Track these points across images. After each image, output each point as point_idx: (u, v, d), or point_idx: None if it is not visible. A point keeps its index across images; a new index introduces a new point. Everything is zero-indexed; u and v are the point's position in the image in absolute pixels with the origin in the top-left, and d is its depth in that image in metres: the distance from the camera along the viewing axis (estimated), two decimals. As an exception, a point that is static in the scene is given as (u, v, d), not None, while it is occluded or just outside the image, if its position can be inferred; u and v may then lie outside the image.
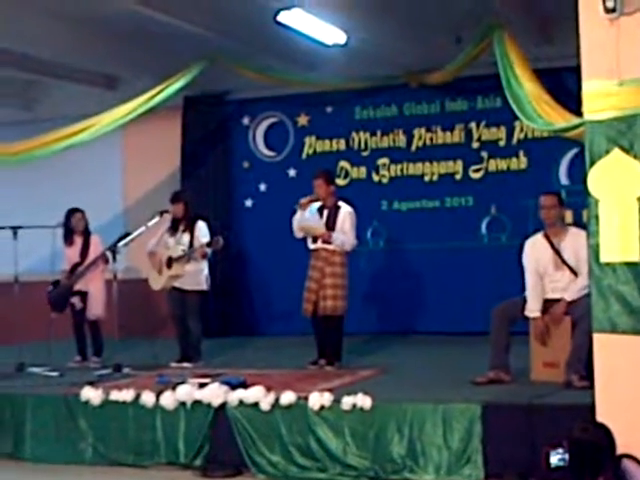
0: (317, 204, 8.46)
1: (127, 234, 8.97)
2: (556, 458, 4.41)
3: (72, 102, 11.66)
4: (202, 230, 8.99)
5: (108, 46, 9.97)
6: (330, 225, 8.37)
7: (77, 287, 9.36)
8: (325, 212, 8.44)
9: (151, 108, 9.66)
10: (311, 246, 8.47)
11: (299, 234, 8.53)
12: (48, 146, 9.51)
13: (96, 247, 9.42)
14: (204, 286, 9.04)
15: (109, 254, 8.94)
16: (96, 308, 9.35)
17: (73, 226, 9.48)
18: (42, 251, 9.71)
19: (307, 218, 8.41)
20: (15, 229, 9.20)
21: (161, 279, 8.98)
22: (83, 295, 9.37)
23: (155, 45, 9.92)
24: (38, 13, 8.91)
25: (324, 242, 8.35)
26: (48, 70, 10.89)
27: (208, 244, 8.81)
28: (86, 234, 9.51)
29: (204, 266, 9.03)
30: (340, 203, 8.50)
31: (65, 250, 9.55)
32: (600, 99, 5.08)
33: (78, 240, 9.50)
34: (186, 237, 8.95)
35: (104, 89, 11.68)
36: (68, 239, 9.51)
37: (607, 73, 5.04)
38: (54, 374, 8.52)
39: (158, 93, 9.61)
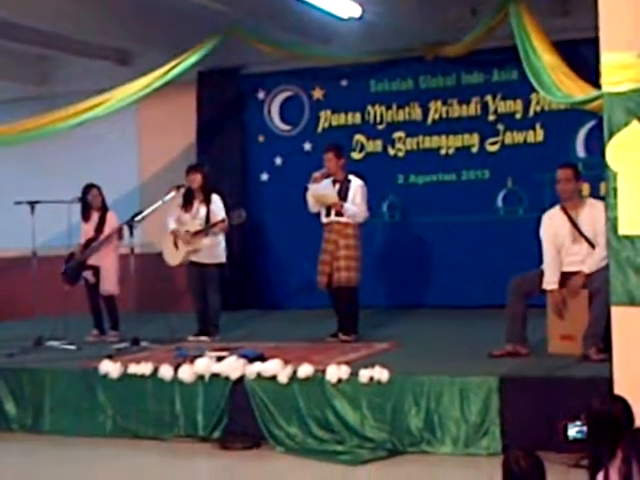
0: (329, 179, 8.47)
1: (140, 211, 8.99)
2: (574, 430, 4.41)
3: (86, 77, 11.68)
4: (217, 204, 8.99)
5: (122, 21, 9.97)
6: (342, 198, 8.39)
7: (90, 262, 9.40)
8: (336, 186, 8.45)
9: (166, 83, 9.66)
10: (324, 220, 8.49)
11: (314, 208, 8.54)
12: (63, 121, 9.52)
13: (111, 223, 9.44)
14: (222, 258, 9.06)
15: (125, 229, 8.97)
16: (108, 284, 9.38)
17: (90, 202, 9.51)
18: (58, 226, 9.77)
19: (320, 187, 8.42)
20: (32, 204, 9.25)
21: (179, 254, 8.99)
22: (96, 270, 9.41)
23: (169, 20, 9.92)
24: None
25: (337, 214, 8.36)
26: (62, 45, 10.89)
27: (229, 218, 8.81)
28: (103, 210, 9.54)
29: (221, 239, 9.04)
30: (350, 177, 8.52)
31: (82, 225, 9.59)
32: (619, 71, 5.05)
33: (95, 216, 9.53)
34: (202, 211, 8.94)
35: (118, 64, 11.68)
36: (85, 214, 9.54)
37: (626, 45, 5.01)
38: (72, 348, 8.59)
39: (173, 68, 9.61)
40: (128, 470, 6.55)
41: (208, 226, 8.84)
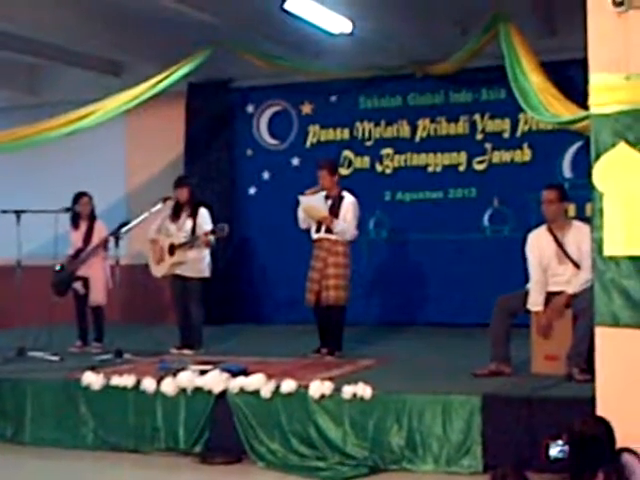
0: (322, 193, 8.47)
1: (127, 222, 8.97)
2: (556, 450, 4.41)
3: (77, 87, 11.68)
4: (204, 217, 8.99)
5: (114, 32, 9.96)
6: (333, 214, 8.38)
7: (80, 272, 9.37)
8: (329, 202, 8.44)
9: (156, 94, 9.65)
10: (314, 236, 8.48)
11: (303, 223, 8.54)
12: (53, 131, 9.51)
13: (100, 233, 9.42)
14: (206, 273, 9.05)
15: (111, 240, 8.94)
16: (97, 294, 9.36)
17: (79, 210, 9.48)
18: (45, 235, 9.73)
19: (312, 199, 8.42)
20: (18, 213, 9.21)
21: (163, 266, 8.98)
22: (85, 281, 9.38)
23: (160, 32, 9.91)
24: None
25: (327, 231, 8.35)
26: (53, 55, 10.87)
27: (212, 232, 8.81)
28: (91, 219, 9.52)
29: (206, 253, 9.03)
30: (344, 193, 8.51)
31: (71, 234, 9.56)
32: (607, 92, 5.07)
33: (83, 225, 9.50)
34: (189, 224, 8.94)
35: (109, 75, 11.68)
36: (74, 223, 9.51)
37: (614, 66, 5.03)
38: (55, 359, 8.54)
39: (163, 79, 9.60)
40: (108, 483, 6.51)
41: (192, 238, 8.83)
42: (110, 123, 10.02)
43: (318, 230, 8.43)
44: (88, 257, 9.33)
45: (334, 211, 8.38)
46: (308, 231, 8.56)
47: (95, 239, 9.40)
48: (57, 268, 9.36)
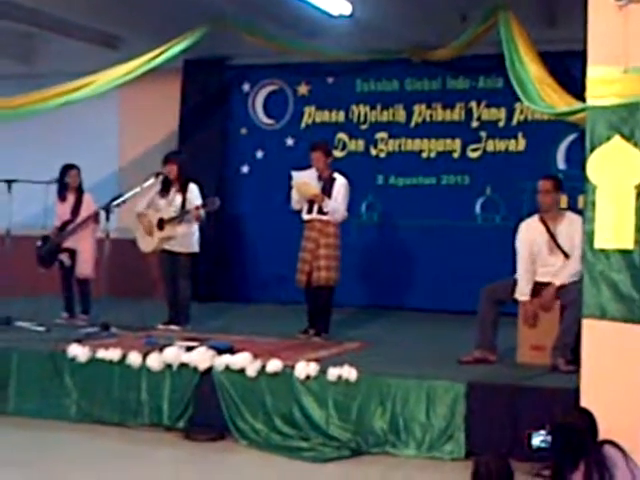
0: (314, 172, 8.45)
1: (118, 196, 8.94)
2: (538, 440, 4.44)
3: (72, 59, 11.57)
4: (194, 192, 8.96)
5: (112, 5, 9.89)
6: (325, 195, 8.38)
7: (66, 245, 9.35)
8: (321, 183, 8.44)
9: (151, 69, 9.60)
10: (305, 217, 8.48)
11: (296, 204, 8.53)
12: (46, 101, 9.43)
13: (88, 206, 9.40)
14: (195, 248, 9.03)
15: (102, 213, 8.91)
16: (84, 267, 9.34)
17: (67, 182, 9.45)
18: (35, 206, 9.71)
19: (305, 175, 8.43)
20: (9, 182, 9.18)
21: (152, 241, 8.96)
22: (72, 253, 9.36)
23: (158, 7, 9.85)
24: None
25: (319, 212, 8.35)
26: (50, 25, 10.79)
27: (203, 205, 8.80)
28: (79, 192, 9.48)
29: (195, 229, 9.01)
30: (336, 175, 8.51)
31: (57, 206, 9.53)
32: (604, 85, 5.07)
33: (71, 197, 9.47)
34: (178, 199, 8.92)
35: (105, 48, 11.58)
36: (61, 195, 9.48)
37: (613, 60, 5.03)
38: (41, 329, 8.53)
39: (159, 54, 9.54)
40: (90, 456, 6.50)
41: (182, 212, 8.81)
42: (104, 97, 9.98)
43: (310, 211, 8.43)
44: (76, 229, 9.31)
45: (326, 192, 8.38)
46: (299, 212, 8.55)
47: (83, 212, 9.37)
48: (38, 244, 9.34)
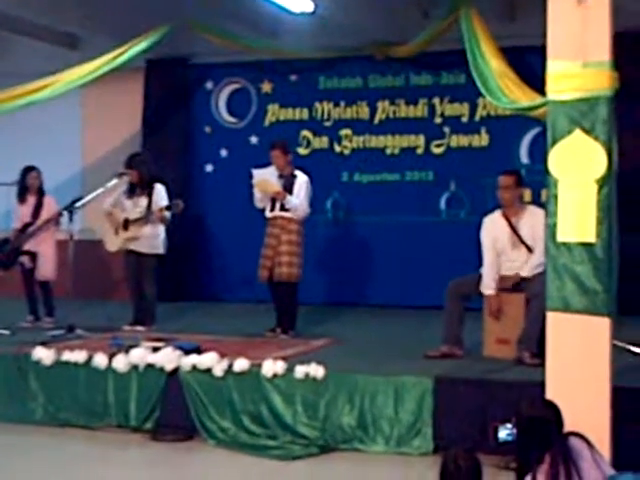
0: (274, 169, 8.46)
1: (80, 198, 8.88)
2: (504, 433, 4.46)
3: (33, 59, 11.45)
4: (160, 193, 8.93)
5: (71, 4, 9.82)
6: (287, 192, 8.39)
7: (27, 247, 9.28)
8: (282, 180, 8.45)
9: (113, 68, 9.55)
10: (268, 214, 8.49)
11: (259, 203, 8.54)
12: (8, 102, 9.34)
13: (49, 208, 9.34)
14: (160, 250, 9.00)
15: (64, 215, 8.85)
16: (45, 269, 9.28)
17: (28, 184, 9.38)
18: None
19: (266, 172, 8.44)
20: (-31, 185, 9.11)
21: (117, 240, 8.92)
22: (33, 255, 9.28)
23: (119, 6, 9.79)
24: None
25: (281, 209, 8.36)
26: (9, 25, 10.68)
27: (167, 207, 8.78)
28: (40, 193, 9.42)
29: (161, 230, 8.97)
30: (297, 172, 8.53)
31: (18, 208, 9.45)
32: (564, 80, 5.09)
33: (31, 199, 9.40)
34: (144, 200, 8.88)
35: (66, 48, 11.50)
36: (22, 197, 9.42)
37: (572, 54, 5.05)
38: (5, 332, 8.46)
39: (121, 54, 9.50)
40: (57, 459, 6.46)
41: (147, 213, 8.77)
42: (66, 97, 9.90)
43: (272, 209, 8.45)
44: (37, 232, 9.24)
45: (287, 189, 8.40)
46: (263, 210, 8.56)
47: (44, 214, 9.31)
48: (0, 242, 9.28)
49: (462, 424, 6.17)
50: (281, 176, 8.48)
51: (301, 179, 8.48)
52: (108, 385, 7.10)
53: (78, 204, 8.74)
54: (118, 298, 10.72)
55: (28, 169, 9.42)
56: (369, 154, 11.12)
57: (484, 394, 6.21)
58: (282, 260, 8.33)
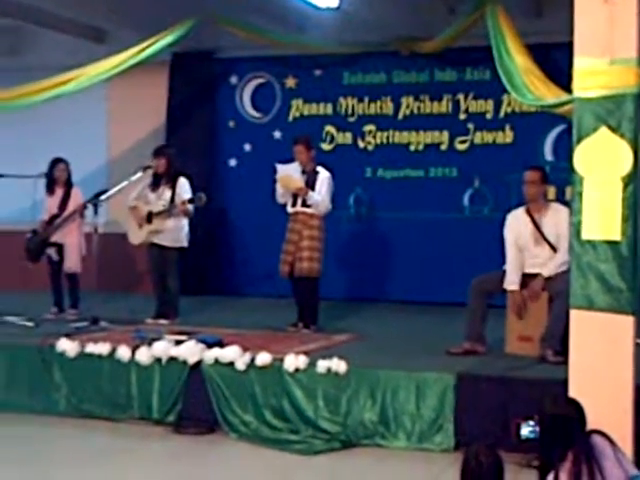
0: (298, 165, 8.48)
1: (105, 190, 8.92)
2: (527, 430, 4.45)
3: (59, 53, 11.55)
4: (184, 187, 8.96)
5: (98, -2, 9.88)
6: (309, 187, 8.41)
7: (54, 239, 9.34)
8: (304, 176, 8.47)
9: (139, 62, 9.57)
10: (290, 210, 8.51)
11: (281, 198, 8.57)
12: (34, 95, 9.39)
13: (76, 199, 9.39)
14: (184, 243, 9.03)
15: (90, 207, 8.91)
16: (72, 261, 9.33)
17: (56, 176, 9.44)
18: (23, 201, 9.69)
19: (289, 168, 8.46)
20: (-3, 177, 9.18)
21: (141, 234, 8.96)
22: (59, 247, 9.34)
23: (144, 0, 9.82)
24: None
25: (303, 205, 8.38)
26: (37, 18, 10.75)
27: (190, 200, 8.81)
28: (68, 185, 9.47)
29: (184, 223, 9.01)
30: (319, 168, 8.55)
31: (46, 200, 9.51)
32: (590, 77, 5.07)
33: (59, 191, 9.46)
34: (167, 193, 8.92)
35: (92, 41, 11.57)
36: (50, 189, 9.47)
37: (599, 51, 5.03)
38: (30, 324, 8.51)
39: (147, 47, 9.50)
40: (80, 450, 6.50)
41: (170, 207, 8.81)
42: (92, 90, 9.94)
43: (294, 204, 8.47)
44: (63, 223, 9.30)
45: (309, 185, 8.42)
46: (285, 206, 8.57)
47: (71, 206, 9.36)
48: (28, 235, 9.32)
49: (484, 421, 6.17)
50: (304, 172, 8.49)
51: (323, 175, 8.49)
52: (131, 377, 7.14)
53: (102, 197, 8.78)
54: (142, 291, 10.77)
55: (56, 161, 9.48)
56: (393, 150, 11.11)
57: (506, 391, 6.20)
58: (303, 255, 8.34)
